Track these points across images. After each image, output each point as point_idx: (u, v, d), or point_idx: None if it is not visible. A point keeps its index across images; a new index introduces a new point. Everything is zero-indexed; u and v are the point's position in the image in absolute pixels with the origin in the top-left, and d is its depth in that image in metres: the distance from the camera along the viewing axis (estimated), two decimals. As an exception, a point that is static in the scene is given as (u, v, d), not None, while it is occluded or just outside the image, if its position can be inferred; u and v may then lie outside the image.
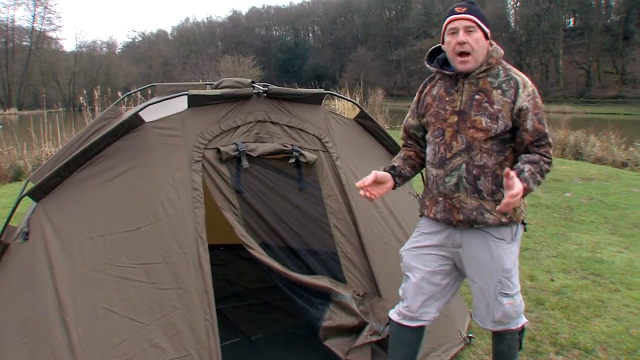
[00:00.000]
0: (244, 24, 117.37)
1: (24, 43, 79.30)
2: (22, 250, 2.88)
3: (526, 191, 2.57)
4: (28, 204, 3.21)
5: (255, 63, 65.92)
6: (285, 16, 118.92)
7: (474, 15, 2.71)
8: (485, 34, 2.75)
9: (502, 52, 2.82)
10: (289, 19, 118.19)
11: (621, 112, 51.78)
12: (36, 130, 13.20)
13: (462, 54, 2.72)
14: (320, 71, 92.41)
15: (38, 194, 2.93)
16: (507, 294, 2.83)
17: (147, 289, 2.84)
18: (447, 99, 2.83)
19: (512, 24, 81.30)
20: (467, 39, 2.70)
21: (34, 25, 78.02)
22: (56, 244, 2.84)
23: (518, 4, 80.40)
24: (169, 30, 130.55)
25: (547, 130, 2.72)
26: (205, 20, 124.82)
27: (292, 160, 3.45)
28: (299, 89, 3.66)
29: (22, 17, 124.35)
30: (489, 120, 2.70)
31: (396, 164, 3.03)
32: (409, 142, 3.14)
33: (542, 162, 2.67)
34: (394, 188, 2.99)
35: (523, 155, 2.72)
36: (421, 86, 3.04)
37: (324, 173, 3.56)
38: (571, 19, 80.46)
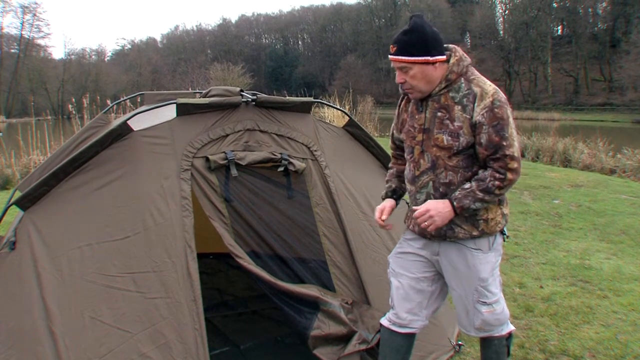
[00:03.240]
0: (234, 32, 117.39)
1: (12, 50, 79.09)
2: (9, 259, 2.86)
3: (459, 209, 2.67)
4: (16, 212, 3.19)
5: (245, 71, 65.89)
6: (275, 24, 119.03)
7: (405, 54, 2.65)
8: (430, 61, 2.66)
9: (468, 61, 2.75)
10: (278, 27, 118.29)
11: (609, 119, 52.30)
12: (24, 138, 13.11)
13: (405, 90, 2.76)
14: (310, 79, 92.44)
15: (25, 203, 2.91)
16: (484, 302, 2.83)
17: (136, 299, 2.83)
18: (417, 116, 2.83)
19: (501, 32, 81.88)
20: (404, 77, 2.69)
21: (23, 32, 77.92)
22: (44, 253, 2.83)
23: (507, 12, 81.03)
24: (158, 38, 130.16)
25: (505, 142, 2.61)
26: (195, 28, 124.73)
27: (281, 169, 3.45)
28: (287, 98, 3.66)
29: (10, 24, 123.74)
30: (449, 137, 2.68)
31: (394, 186, 3.09)
32: (398, 152, 3.15)
33: (489, 179, 2.63)
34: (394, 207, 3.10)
35: (480, 171, 2.72)
36: (399, 99, 3.03)
37: (312, 181, 3.56)
38: (559, 27, 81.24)
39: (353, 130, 3.91)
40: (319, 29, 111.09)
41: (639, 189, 10.90)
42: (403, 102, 2.99)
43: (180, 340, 2.82)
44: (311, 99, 3.76)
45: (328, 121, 4.04)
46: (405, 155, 2.91)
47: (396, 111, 3.04)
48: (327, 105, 4.58)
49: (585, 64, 70.16)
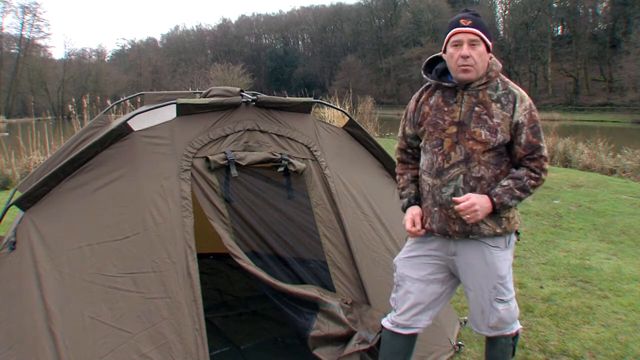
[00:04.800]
0: (234, 32, 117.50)
1: (12, 51, 79.09)
2: (9, 260, 2.85)
3: (498, 205, 2.70)
4: (16, 213, 3.19)
5: (245, 71, 65.99)
6: (275, 24, 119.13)
7: (479, 29, 2.71)
8: (488, 47, 2.75)
9: (501, 65, 2.83)
10: (278, 27, 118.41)
11: (609, 120, 52.29)
12: (24, 138, 13.12)
13: (465, 65, 2.72)
14: (310, 79, 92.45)
15: (25, 203, 2.91)
16: (502, 299, 2.84)
17: (136, 299, 2.83)
18: (446, 109, 2.82)
19: (501, 32, 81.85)
20: (471, 52, 2.70)
21: (23, 32, 77.93)
22: (44, 253, 2.83)
23: (507, 12, 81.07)
24: (158, 38, 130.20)
25: (542, 144, 2.75)
26: (195, 29, 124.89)
27: (281, 169, 3.45)
28: (287, 98, 3.66)
29: (10, 24, 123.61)
30: (488, 132, 2.71)
31: (414, 192, 3.03)
32: (408, 151, 3.10)
33: (525, 178, 2.72)
34: None
35: (512, 170, 2.78)
36: (417, 94, 3.02)
37: (312, 182, 3.56)
38: (559, 27, 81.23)
39: (353, 130, 3.91)
40: (319, 29, 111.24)
41: (639, 189, 10.90)
42: (424, 96, 2.97)
43: (180, 341, 2.82)
44: (311, 99, 3.75)
45: (328, 121, 4.04)
46: (430, 148, 2.86)
47: (412, 105, 3.02)
48: (327, 105, 4.58)
49: (585, 64, 70.18)
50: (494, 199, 2.69)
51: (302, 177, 3.55)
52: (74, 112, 15.23)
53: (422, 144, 2.95)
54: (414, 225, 2.90)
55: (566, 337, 4.10)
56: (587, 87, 69.47)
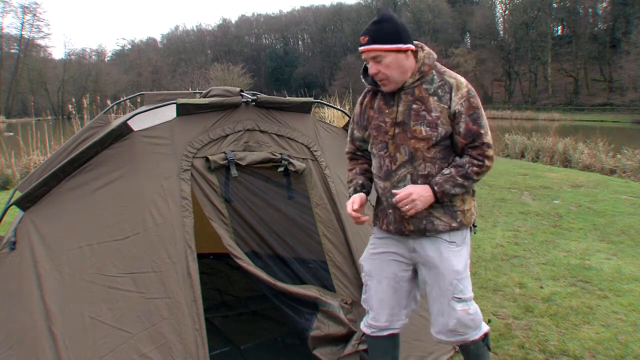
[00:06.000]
0: (234, 32, 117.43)
1: (12, 51, 79.14)
2: (9, 260, 2.85)
3: (439, 193, 2.69)
4: (16, 213, 3.19)
5: (245, 71, 66.06)
6: (275, 24, 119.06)
7: (378, 43, 2.66)
8: (401, 49, 2.68)
9: (435, 55, 2.80)
10: (278, 27, 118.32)
11: (609, 120, 52.32)
12: (24, 138, 13.12)
13: (380, 80, 2.74)
14: (310, 79, 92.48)
15: (25, 203, 2.91)
16: (460, 298, 2.80)
17: (136, 299, 2.83)
18: (387, 111, 2.81)
19: (501, 33, 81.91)
20: (378, 68, 2.69)
21: (23, 32, 78.02)
22: (44, 253, 2.82)
23: (507, 12, 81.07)
24: (158, 38, 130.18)
25: (482, 131, 2.70)
26: (195, 29, 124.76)
27: (281, 169, 3.45)
28: (287, 98, 3.65)
29: (10, 24, 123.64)
30: (428, 128, 2.69)
31: (361, 181, 3.02)
32: (357, 154, 3.12)
33: (467, 165, 2.70)
34: None
35: (456, 158, 2.76)
36: (361, 97, 3.01)
37: (312, 182, 3.56)
38: (559, 27, 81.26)
39: (353, 130, 3.90)
40: (319, 29, 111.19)
41: (639, 189, 10.90)
42: (367, 99, 2.97)
43: (180, 341, 2.82)
44: (311, 99, 3.75)
45: (328, 121, 4.03)
46: (377, 151, 2.86)
47: (357, 109, 3.02)
48: (327, 105, 4.58)
49: (585, 64, 70.24)
50: (435, 188, 2.68)
51: (302, 177, 3.55)
52: (74, 112, 15.23)
53: (369, 148, 2.95)
54: (352, 207, 2.87)
55: (566, 337, 4.10)
56: (587, 87, 69.54)
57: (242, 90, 3.48)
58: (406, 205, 2.66)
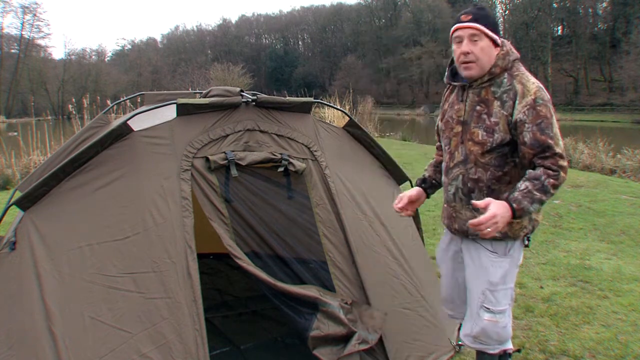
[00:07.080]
0: (234, 32, 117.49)
1: (12, 51, 79.05)
2: (9, 260, 2.85)
3: (519, 211, 2.51)
4: (16, 213, 3.19)
5: (245, 71, 65.96)
6: (275, 24, 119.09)
7: (480, 23, 2.61)
8: (495, 41, 2.66)
9: (513, 57, 2.70)
10: (278, 27, 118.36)
11: (609, 120, 52.31)
12: (24, 138, 13.11)
13: (467, 62, 2.67)
14: (310, 79, 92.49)
15: (25, 203, 2.90)
16: (488, 308, 2.76)
17: (136, 299, 2.82)
18: (456, 107, 2.80)
19: (501, 32, 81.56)
20: (472, 48, 2.62)
21: (23, 32, 77.89)
22: (44, 253, 2.82)
23: (507, 12, 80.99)
24: (158, 38, 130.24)
25: (552, 141, 2.55)
26: (195, 29, 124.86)
27: (281, 169, 3.45)
28: (287, 98, 3.65)
29: (10, 24, 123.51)
30: (485, 133, 2.63)
31: (426, 175, 3.08)
32: (439, 144, 3.14)
33: (544, 177, 2.53)
34: (427, 197, 3.11)
35: (528, 171, 2.61)
36: (445, 89, 3.02)
37: (313, 182, 3.56)
38: (559, 27, 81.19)
39: (353, 130, 3.90)
40: (319, 29, 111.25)
41: (639, 189, 10.89)
42: (447, 91, 2.98)
43: (180, 341, 2.81)
44: (311, 99, 3.74)
45: (328, 121, 4.03)
46: (443, 145, 2.89)
47: (442, 101, 3.04)
48: (327, 105, 4.57)
49: (585, 64, 70.19)
50: (514, 205, 2.50)
51: (302, 177, 3.54)
52: (74, 112, 15.21)
53: (441, 139, 2.99)
54: (398, 203, 2.96)
55: (566, 337, 4.10)
56: (587, 87, 69.48)
57: (242, 90, 3.47)
58: (489, 227, 2.46)
